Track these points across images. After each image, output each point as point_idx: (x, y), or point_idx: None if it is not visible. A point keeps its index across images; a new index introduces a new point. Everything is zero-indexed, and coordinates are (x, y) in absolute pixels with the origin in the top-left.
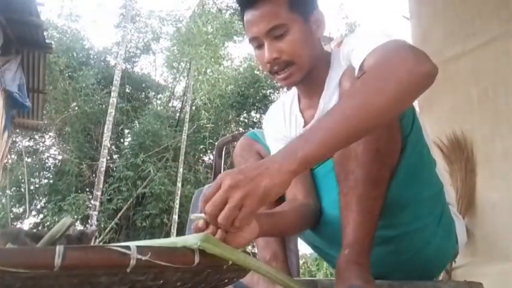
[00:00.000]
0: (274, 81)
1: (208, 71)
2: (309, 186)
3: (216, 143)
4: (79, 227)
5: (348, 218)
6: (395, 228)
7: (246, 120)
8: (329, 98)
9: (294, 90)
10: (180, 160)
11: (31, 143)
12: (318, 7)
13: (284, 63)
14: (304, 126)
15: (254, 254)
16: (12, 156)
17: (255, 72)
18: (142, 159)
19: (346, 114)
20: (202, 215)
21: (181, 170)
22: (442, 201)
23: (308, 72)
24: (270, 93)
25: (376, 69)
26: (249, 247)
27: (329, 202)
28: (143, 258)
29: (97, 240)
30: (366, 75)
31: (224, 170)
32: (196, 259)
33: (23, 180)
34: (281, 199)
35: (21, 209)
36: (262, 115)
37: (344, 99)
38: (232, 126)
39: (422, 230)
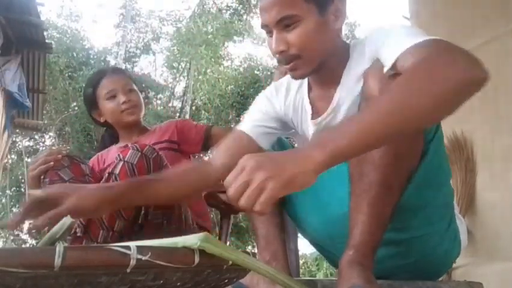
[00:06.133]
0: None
1: (208, 71)
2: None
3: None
4: None
5: (357, 220)
6: (405, 231)
7: None
8: (347, 91)
9: None
10: None
11: (31, 143)
12: None
13: (291, 56)
14: (313, 117)
15: (254, 254)
16: (12, 156)
17: (255, 72)
18: None
19: (385, 112)
20: None
21: None
22: (452, 207)
23: (318, 66)
24: None
25: (421, 67)
26: (249, 247)
27: (335, 199)
28: (143, 258)
29: None
30: (409, 73)
31: None
32: (196, 259)
33: (23, 180)
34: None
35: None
36: None
37: (383, 96)
38: (232, 126)
39: (431, 235)
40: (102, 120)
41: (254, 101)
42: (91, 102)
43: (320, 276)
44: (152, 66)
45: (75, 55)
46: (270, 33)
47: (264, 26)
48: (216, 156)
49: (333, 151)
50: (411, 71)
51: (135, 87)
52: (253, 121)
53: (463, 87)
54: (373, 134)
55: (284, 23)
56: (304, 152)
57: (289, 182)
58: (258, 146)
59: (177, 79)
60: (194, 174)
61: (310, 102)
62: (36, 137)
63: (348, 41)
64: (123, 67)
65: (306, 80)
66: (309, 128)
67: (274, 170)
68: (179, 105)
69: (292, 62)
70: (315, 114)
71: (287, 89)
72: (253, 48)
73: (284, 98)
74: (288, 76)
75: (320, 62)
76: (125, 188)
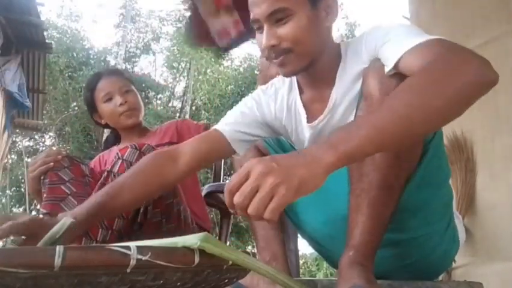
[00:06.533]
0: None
1: (208, 71)
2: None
3: None
4: None
5: (357, 220)
6: (405, 232)
7: None
8: (344, 91)
9: (291, 78)
10: None
11: (31, 143)
12: None
13: (283, 50)
14: (308, 120)
15: (254, 254)
16: (12, 156)
17: (255, 72)
18: None
19: (399, 113)
20: None
21: None
22: (451, 208)
23: (309, 63)
24: None
25: (435, 68)
26: (249, 247)
27: (334, 199)
28: (143, 258)
29: None
30: (422, 74)
31: (224, 170)
32: (196, 259)
33: (23, 180)
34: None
35: (21, 209)
36: None
37: (396, 97)
38: None
39: (430, 236)
40: (103, 122)
41: (240, 103)
42: (91, 105)
43: (320, 276)
44: (152, 66)
45: (75, 55)
46: (260, 29)
47: (254, 21)
48: (182, 151)
49: (344, 152)
50: (425, 72)
51: (133, 88)
52: (234, 124)
53: (476, 89)
54: (385, 135)
55: (276, 17)
56: (314, 154)
57: (300, 187)
58: (232, 151)
59: (177, 79)
60: (152, 181)
61: (304, 105)
62: (36, 137)
63: (347, 40)
64: (123, 67)
65: (296, 83)
66: (305, 131)
67: (284, 175)
68: (179, 105)
69: (283, 56)
70: (310, 117)
71: (276, 92)
72: (253, 48)
73: (274, 101)
74: (274, 79)
75: (311, 59)
76: (89, 217)
